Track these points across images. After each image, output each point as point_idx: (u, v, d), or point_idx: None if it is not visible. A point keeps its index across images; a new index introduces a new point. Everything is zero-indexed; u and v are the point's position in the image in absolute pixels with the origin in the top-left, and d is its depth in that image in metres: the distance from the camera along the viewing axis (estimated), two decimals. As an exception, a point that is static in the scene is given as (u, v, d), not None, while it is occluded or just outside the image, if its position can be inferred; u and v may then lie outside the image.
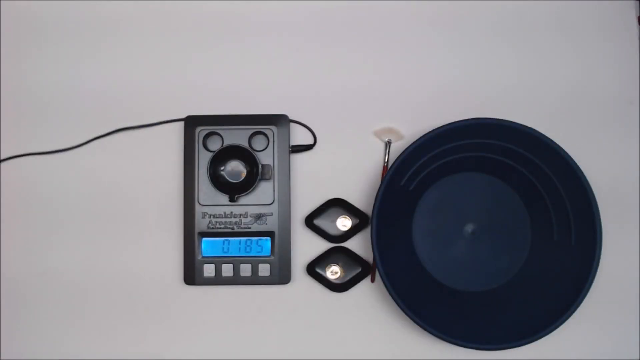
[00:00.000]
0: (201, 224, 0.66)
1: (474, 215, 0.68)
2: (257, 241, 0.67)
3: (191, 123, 0.68)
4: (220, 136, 0.67)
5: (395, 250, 0.64)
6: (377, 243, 0.61)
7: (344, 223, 0.68)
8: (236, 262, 0.66)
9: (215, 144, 0.68)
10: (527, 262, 0.67)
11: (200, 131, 0.67)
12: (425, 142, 0.63)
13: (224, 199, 0.67)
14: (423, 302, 0.63)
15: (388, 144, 0.70)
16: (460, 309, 0.65)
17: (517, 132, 0.63)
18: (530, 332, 0.60)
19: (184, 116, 0.68)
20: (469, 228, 0.68)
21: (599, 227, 0.61)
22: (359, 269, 0.67)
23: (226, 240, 0.67)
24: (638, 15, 0.73)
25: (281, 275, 0.66)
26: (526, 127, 0.62)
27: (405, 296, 0.61)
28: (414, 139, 0.63)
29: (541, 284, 0.65)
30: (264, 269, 0.66)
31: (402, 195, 0.65)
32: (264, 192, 0.67)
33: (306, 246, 0.69)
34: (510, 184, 0.68)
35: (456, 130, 0.63)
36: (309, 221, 0.68)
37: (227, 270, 0.66)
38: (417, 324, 0.60)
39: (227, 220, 0.67)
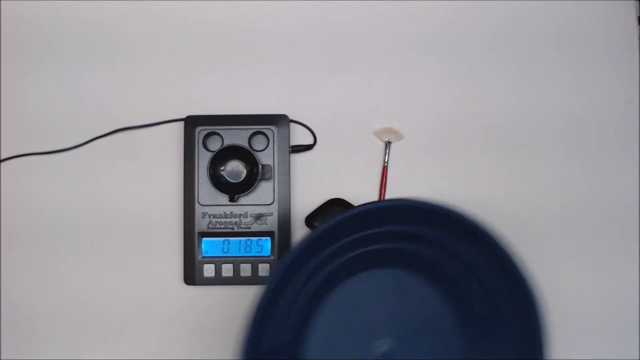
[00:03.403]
0: (201, 224, 0.66)
1: (386, 326, 0.54)
2: (257, 241, 0.67)
3: (191, 123, 0.68)
4: (220, 136, 0.67)
5: None
6: None
7: (344, 223, 0.68)
8: (236, 262, 0.66)
9: (215, 144, 0.67)
10: None
11: (200, 131, 0.67)
12: (307, 245, 0.47)
13: (224, 199, 0.67)
14: None
15: (388, 144, 0.70)
16: None
17: (440, 216, 0.46)
18: None
19: (184, 116, 0.68)
20: (381, 345, 0.54)
21: (544, 338, 0.49)
22: (359, 269, 0.67)
23: (226, 240, 0.67)
24: (638, 15, 0.73)
25: (281, 275, 0.66)
26: (451, 209, 0.47)
27: None
28: (299, 242, 0.48)
29: None
30: (264, 269, 0.66)
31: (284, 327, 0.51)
32: (264, 192, 0.67)
33: (306, 246, 0.69)
34: (427, 280, 0.54)
35: (357, 218, 0.47)
36: (309, 221, 0.68)
37: (227, 270, 0.66)
38: None
39: (227, 220, 0.67)
